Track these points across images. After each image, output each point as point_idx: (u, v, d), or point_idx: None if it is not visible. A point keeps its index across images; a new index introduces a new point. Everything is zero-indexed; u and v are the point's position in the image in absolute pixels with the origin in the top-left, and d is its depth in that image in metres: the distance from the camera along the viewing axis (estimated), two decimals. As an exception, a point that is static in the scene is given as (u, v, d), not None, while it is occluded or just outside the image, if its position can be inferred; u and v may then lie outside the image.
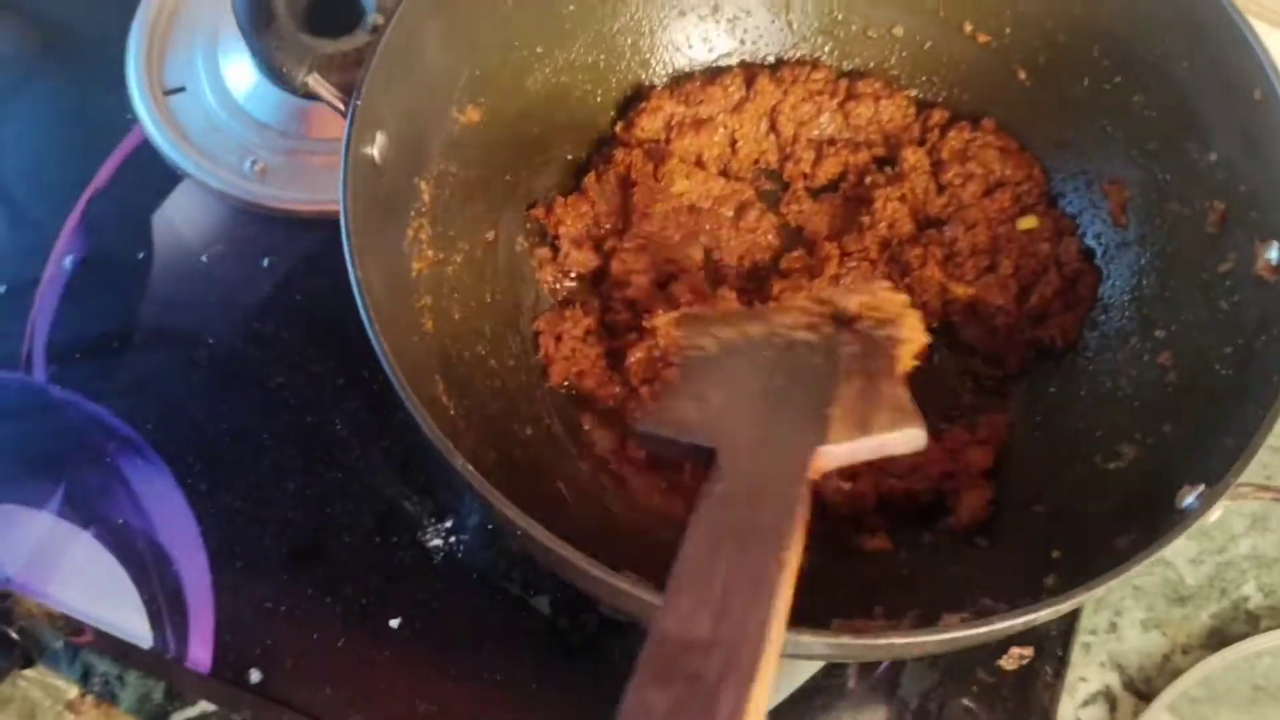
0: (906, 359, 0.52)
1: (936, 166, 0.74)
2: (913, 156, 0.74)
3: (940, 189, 0.74)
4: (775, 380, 0.50)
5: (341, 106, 0.56)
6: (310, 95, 0.61)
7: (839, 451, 0.46)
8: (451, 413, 0.58)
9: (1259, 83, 0.59)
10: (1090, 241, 0.72)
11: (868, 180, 0.75)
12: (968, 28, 0.74)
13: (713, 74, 0.78)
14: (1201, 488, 0.51)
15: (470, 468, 0.46)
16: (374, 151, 0.57)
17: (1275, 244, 0.57)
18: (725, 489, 0.43)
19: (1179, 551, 0.73)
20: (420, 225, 0.64)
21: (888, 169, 0.76)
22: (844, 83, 0.77)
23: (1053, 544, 0.59)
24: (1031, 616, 0.47)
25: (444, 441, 0.46)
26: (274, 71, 0.59)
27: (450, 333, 0.65)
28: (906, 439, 0.48)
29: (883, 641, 0.45)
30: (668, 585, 0.38)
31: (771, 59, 0.79)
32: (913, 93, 0.78)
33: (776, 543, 0.39)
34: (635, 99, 0.77)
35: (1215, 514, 0.51)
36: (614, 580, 0.46)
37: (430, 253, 0.64)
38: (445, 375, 0.60)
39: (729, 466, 0.44)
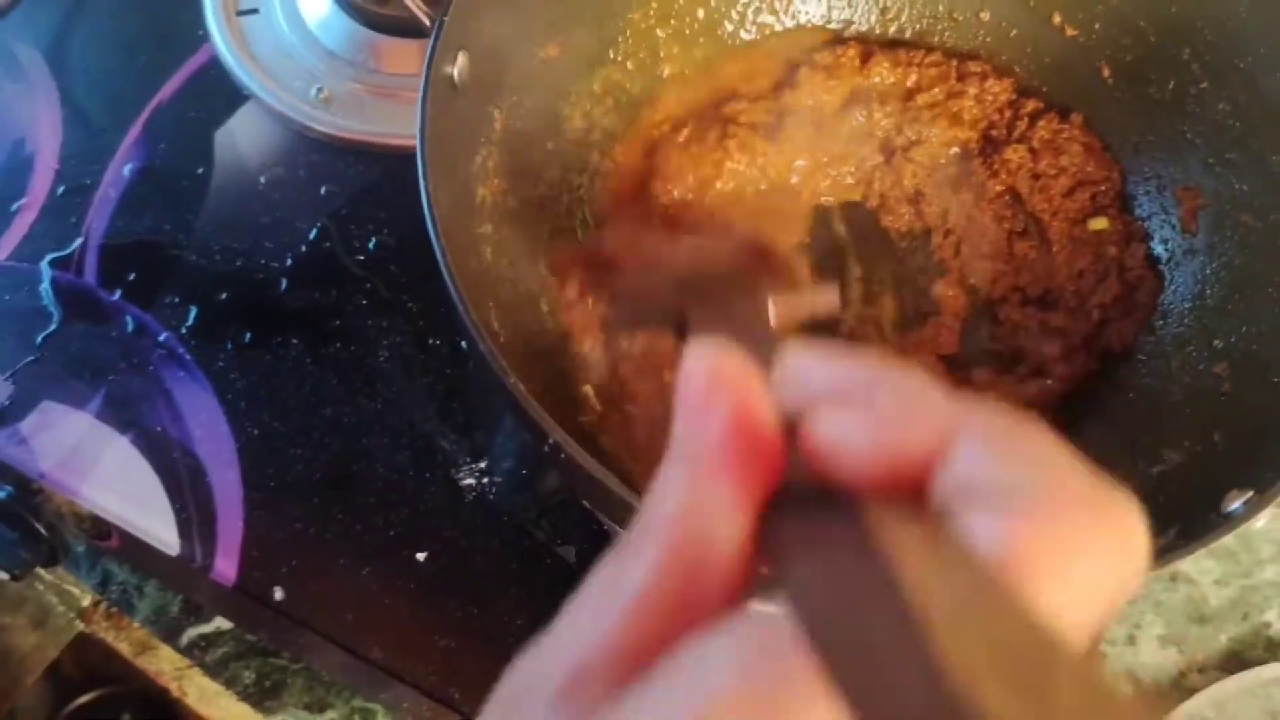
0: None
1: (1031, 155, 0.74)
2: (1013, 155, 0.74)
3: (1035, 178, 0.73)
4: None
5: (428, 21, 0.55)
6: (382, 23, 0.60)
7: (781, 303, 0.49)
8: (502, 339, 0.57)
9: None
10: (1157, 247, 0.71)
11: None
12: (1056, 19, 0.73)
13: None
14: (1250, 494, 0.50)
15: (520, 386, 0.46)
16: (454, 71, 0.57)
17: (1348, 260, 0.57)
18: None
19: (1205, 571, 0.73)
20: (490, 153, 0.63)
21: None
22: (954, 63, 0.77)
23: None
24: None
25: (498, 358, 0.46)
26: None
27: (506, 263, 0.64)
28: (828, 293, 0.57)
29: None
30: None
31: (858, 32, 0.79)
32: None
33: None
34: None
35: (1260, 521, 0.51)
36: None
37: (496, 181, 0.64)
38: (498, 305, 0.60)
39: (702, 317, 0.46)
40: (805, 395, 0.24)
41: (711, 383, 0.24)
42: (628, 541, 0.23)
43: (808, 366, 0.25)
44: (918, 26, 0.78)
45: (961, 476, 0.22)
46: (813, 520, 0.23)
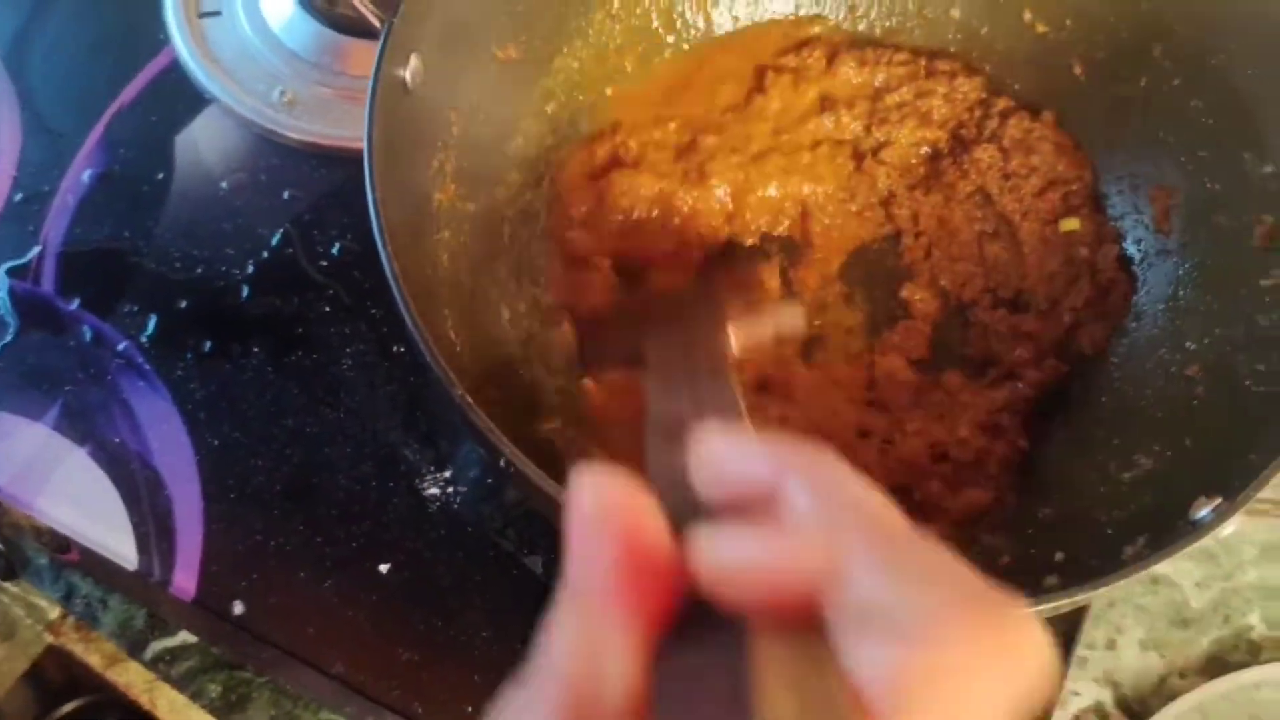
0: None
1: (1002, 154, 0.73)
2: (983, 154, 0.73)
3: (1006, 177, 0.72)
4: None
5: (378, 23, 0.54)
6: (345, 23, 0.59)
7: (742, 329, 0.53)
8: (458, 349, 0.57)
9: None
10: (1129, 247, 0.70)
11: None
12: (1027, 16, 0.72)
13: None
14: (1219, 500, 0.50)
15: (468, 399, 0.45)
16: (405, 74, 0.56)
17: (1322, 262, 0.56)
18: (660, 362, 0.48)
19: (1185, 574, 0.72)
20: (446, 157, 0.63)
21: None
22: (923, 61, 0.76)
23: (1058, 546, 0.57)
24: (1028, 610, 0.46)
25: (445, 370, 0.45)
26: None
27: (465, 270, 0.63)
28: (791, 313, 0.57)
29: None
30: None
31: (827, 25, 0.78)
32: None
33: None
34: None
35: (1228, 529, 0.50)
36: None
37: (453, 186, 0.63)
38: (454, 312, 0.59)
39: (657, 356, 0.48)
40: (717, 490, 0.25)
41: (597, 514, 0.24)
42: (526, 685, 0.23)
43: (721, 460, 0.25)
44: (887, 24, 0.77)
45: (851, 601, 0.22)
46: (701, 651, 0.23)
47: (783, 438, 0.25)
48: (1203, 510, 0.50)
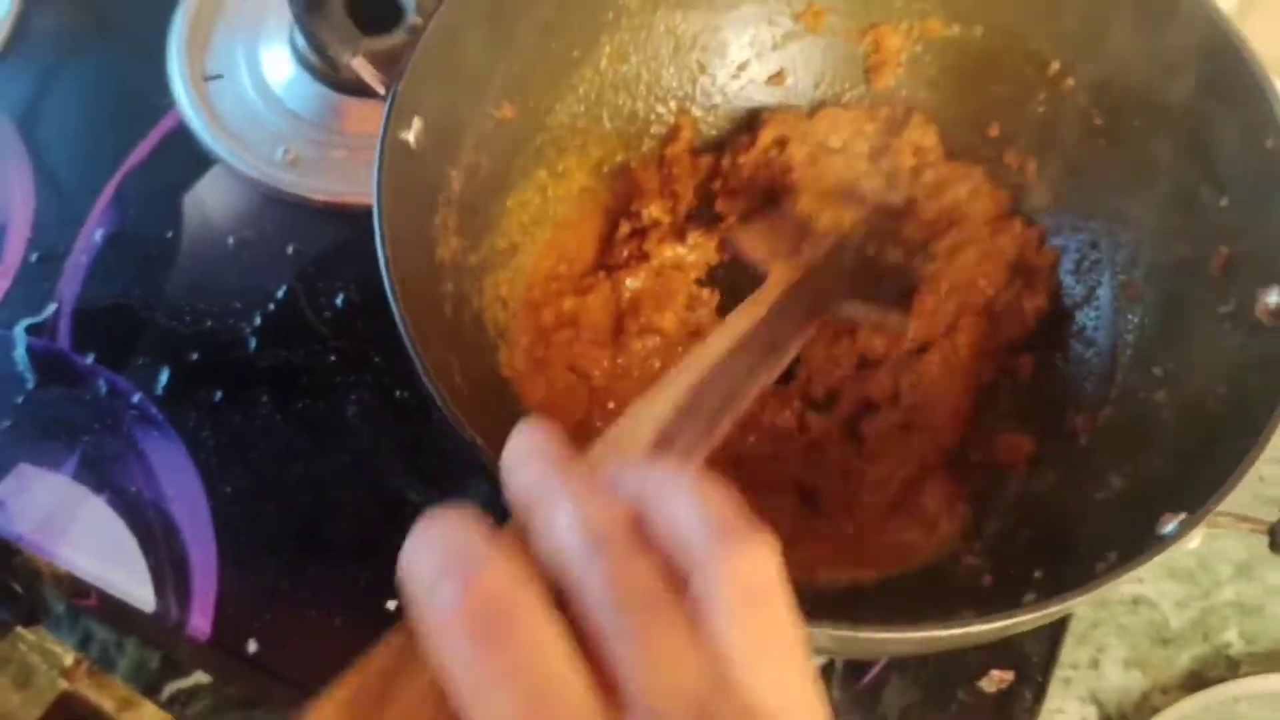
0: None
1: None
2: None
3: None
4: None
5: (383, 90, 0.58)
6: (345, 84, 0.62)
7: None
8: (466, 393, 0.59)
9: (1271, 132, 0.60)
10: (1098, 281, 0.74)
11: None
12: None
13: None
14: (1183, 515, 0.52)
15: (480, 440, 0.48)
16: (410, 136, 0.59)
17: (1276, 289, 0.59)
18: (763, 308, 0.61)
19: (1166, 594, 0.75)
20: (448, 213, 0.66)
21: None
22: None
23: (1037, 565, 0.60)
24: (1006, 623, 0.49)
25: (455, 414, 0.48)
26: (321, 50, 0.62)
27: (469, 318, 0.66)
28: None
29: (878, 635, 0.48)
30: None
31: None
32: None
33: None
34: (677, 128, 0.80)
35: (1194, 542, 0.53)
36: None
37: (455, 240, 0.66)
38: (461, 358, 0.62)
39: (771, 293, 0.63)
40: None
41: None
42: None
43: (616, 474, 0.32)
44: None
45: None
46: None
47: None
48: (1168, 526, 0.53)
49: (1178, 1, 0.65)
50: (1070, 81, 0.73)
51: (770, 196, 0.76)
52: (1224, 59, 0.63)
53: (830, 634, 0.46)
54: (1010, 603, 0.52)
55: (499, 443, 0.50)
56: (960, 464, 0.70)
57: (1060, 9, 0.71)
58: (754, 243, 0.71)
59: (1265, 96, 0.61)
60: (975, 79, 0.77)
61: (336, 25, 0.60)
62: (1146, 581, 0.74)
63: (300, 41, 0.85)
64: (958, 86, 0.78)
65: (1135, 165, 0.71)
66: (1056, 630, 0.71)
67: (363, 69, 0.59)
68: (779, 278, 0.66)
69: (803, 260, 0.69)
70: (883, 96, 0.80)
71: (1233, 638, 0.73)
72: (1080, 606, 0.69)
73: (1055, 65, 0.73)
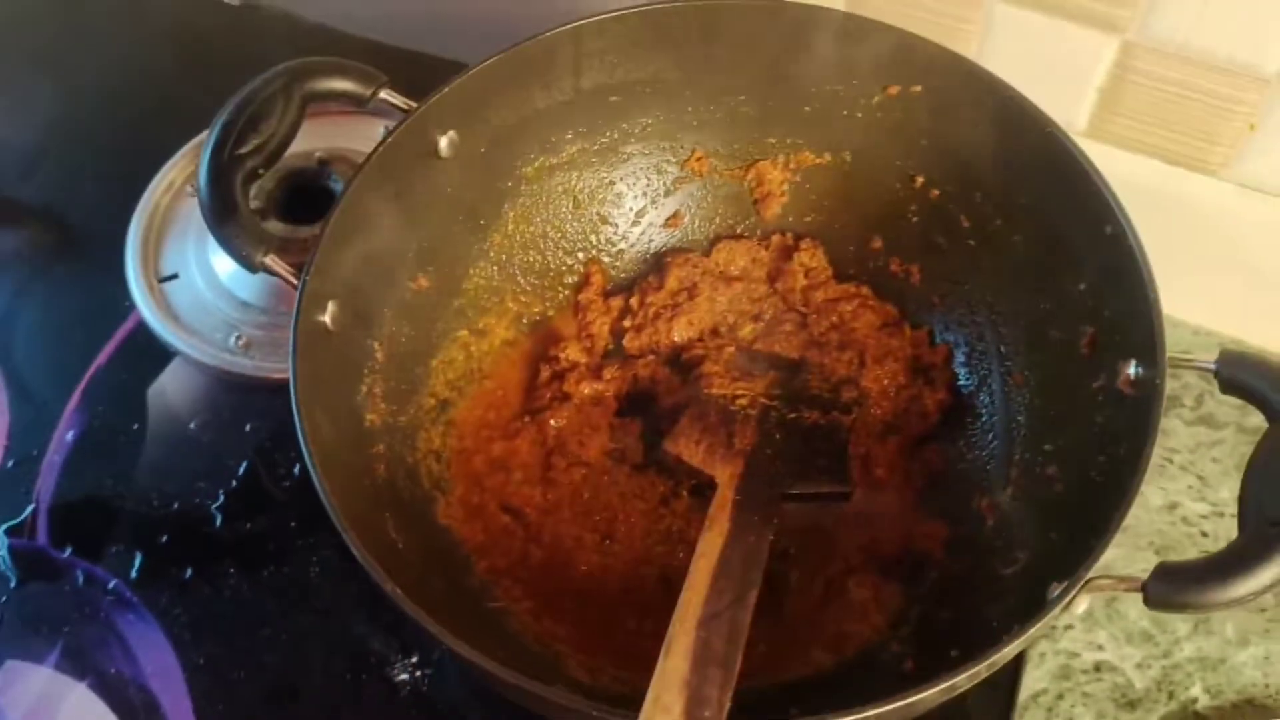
0: None
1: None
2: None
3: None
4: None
5: (295, 282, 0.63)
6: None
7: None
8: (400, 546, 0.64)
9: (1109, 220, 0.66)
10: (989, 370, 0.79)
11: None
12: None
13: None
14: (1066, 583, 0.56)
15: (398, 591, 0.52)
16: (326, 319, 0.64)
17: (1134, 362, 0.64)
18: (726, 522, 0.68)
19: (1126, 657, 0.76)
20: (374, 381, 0.71)
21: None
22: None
23: (953, 645, 0.62)
24: (910, 700, 0.53)
25: (376, 568, 0.52)
26: (234, 254, 0.67)
27: (402, 475, 0.71)
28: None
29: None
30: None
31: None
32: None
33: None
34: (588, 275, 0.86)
35: (1082, 606, 0.56)
36: (545, 693, 0.53)
37: (383, 405, 0.71)
38: (395, 514, 0.66)
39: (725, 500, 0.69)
40: None
41: None
42: None
43: None
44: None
45: None
46: None
47: None
48: (1054, 593, 0.57)
49: (1020, 119, 0.72)
50: (935, 192, 0.80)
51: (680, 367, 0.82)
52: (1061, 161, 0.70)
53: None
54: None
55: (435, 594, 0.54)
56: (881, 557, 0.74)
57: (910, 132, 0.78)
58: (690, 449, 0.75)
59: (1100, 190, 0.67)
60: (853, 198, 0.84)
61: (247, 229, 0.65)
62: (1106, 647, 0.76)
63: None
64: (839, 208, 0.85)
65: (1003, 260, 0.77)
66: (1007, 707, 0.73)
67: (276, 265, 0.64)
68: (725, 477, 0.72)
69: (737, 450, 0.75)
70: (774, 224, 0.86)
71: (1198, 692, 0.74)
72: (1042, 680, 0.73)
73: (920, 179, 0.80)
